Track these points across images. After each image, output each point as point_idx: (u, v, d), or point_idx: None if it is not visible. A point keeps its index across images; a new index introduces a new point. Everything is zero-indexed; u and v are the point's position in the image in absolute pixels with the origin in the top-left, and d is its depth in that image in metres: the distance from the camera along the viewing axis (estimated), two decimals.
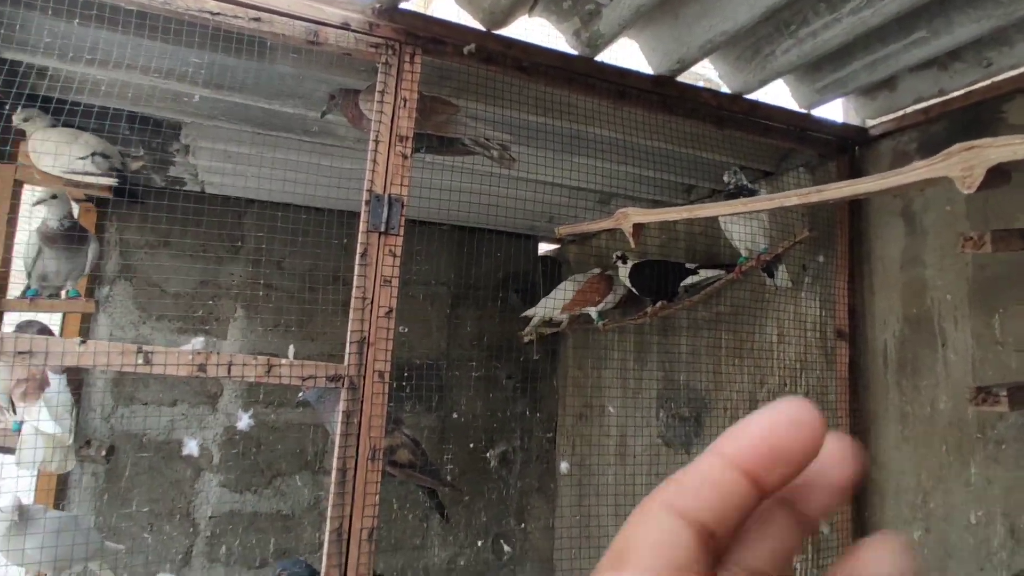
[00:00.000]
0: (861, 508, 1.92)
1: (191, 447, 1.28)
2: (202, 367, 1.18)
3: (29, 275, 2.11)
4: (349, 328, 1.30)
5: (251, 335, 3.63)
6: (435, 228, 3.95)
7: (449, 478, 2.67)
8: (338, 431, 1.26)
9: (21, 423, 1.88)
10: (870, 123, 2.11)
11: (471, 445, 3.88)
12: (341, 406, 1.26)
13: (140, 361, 1.15)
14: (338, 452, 1.25)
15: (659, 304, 2.70)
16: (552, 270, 4.50)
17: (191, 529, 3.38)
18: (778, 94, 2.34)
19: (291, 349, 1.34)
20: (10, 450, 1.90)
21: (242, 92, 2.07)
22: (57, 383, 1.82)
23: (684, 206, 1.61)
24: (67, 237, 2.05)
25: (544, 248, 4.70)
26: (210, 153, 2.88)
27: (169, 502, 3.34)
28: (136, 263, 3.49)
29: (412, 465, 1.50)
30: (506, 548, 3.92)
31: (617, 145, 2.51)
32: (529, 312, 3.37)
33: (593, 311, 3.21)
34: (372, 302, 1.32)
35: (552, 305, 3.24)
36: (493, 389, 4.00)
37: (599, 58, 1.77)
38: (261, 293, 3.57)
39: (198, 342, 1.38)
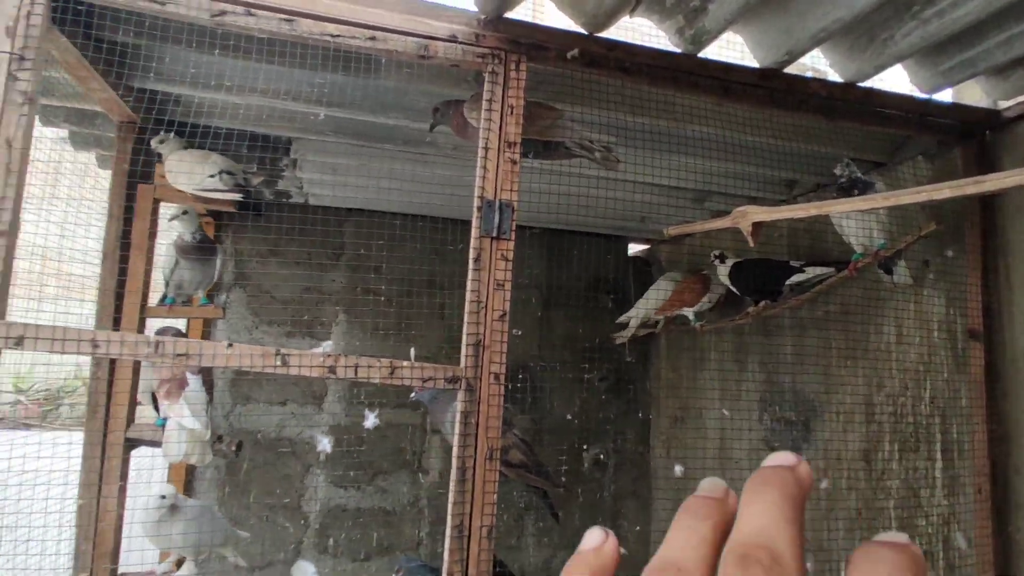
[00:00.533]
0: (1003, 522, 1.77)
1: (324, 444, 1.36)
2: (332, 369, 1.25)
3: (166, 284, 2.32)
4: (464, 331, 1.34)
5: (352, 339, 3.80)
6: (525, 231, 3.98)
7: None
8: (456, 431, 1.30)
9: (165, 419, 2.06)
10: (1003, 105, 1.95)
11: (563, 447, 3.89)
12: (459, 407, 1.31)
13: (278, 363, 1.24)
14: (457, 452, 1.29)
15: (762, 304, 2.60)
16: (643, 271, 4.44)
17: (302, 521, 3.58)
18: (894, 80, 2.21)
19: (412, 351, 1.39)
20: (156, 444, 2.10)
21: (350, 108, 2.18)
22: (195, 383, 1.99)
23: (812, 203, 1.54)
24: (198, 249, 2.24)
25: (634, 248, 4.65)
26: (315, 166, 3.05)
27: (281, 495, 3.56)
28: (249, 271, 3.74)
29: (524, 466, 1.53)
30: None
31: (715, 142, 2.45)
32: (625, 317, 3.34)
33: (690, 312, 3.14)
34: (486, 306, 1.36)
35: (648, 307, 3.20)
36: (585, 391, 3.99)
37: (702, 55, 1.74)
38: (361, 298, 3.74)
39: (327, 345, 1.47)
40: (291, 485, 3.59)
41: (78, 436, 2.15)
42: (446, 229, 3.69)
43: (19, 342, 1.15)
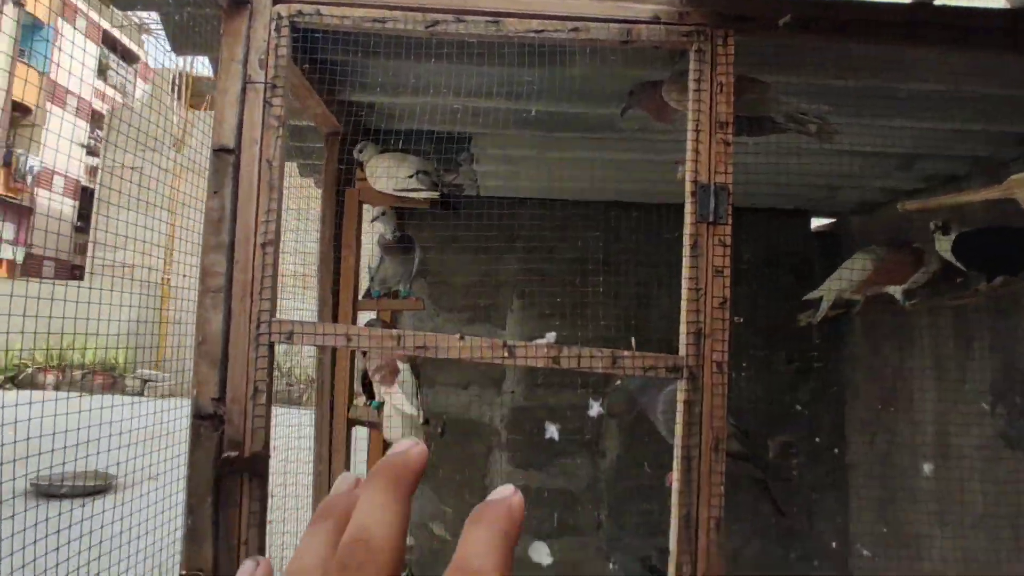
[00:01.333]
0: None
1: (551, 431, 1.41)
2: (556, 359, 1.29)
3: (372, 279, 2.54)
4: (683, 319, 1.32)
5: (527, 324, 3.91)
6: None
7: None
8: (679, 420, 1.28)
9: (381, 403, 2.27)
10: None
11: (747, 433, 3.71)
12: (681, 396, 1.28)
13: (505, 354, 1.30)
14: (681, 441, 1.28)
15: (998, 279, 2.27)
16: (829, 247, 4.08)
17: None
18: None
19: (633, 341, 1.39)
20: (372, 424, 2.32)
21: (536, 99, 2.22)
22: (405, 370, 2.16)
23: None
24: (399, 245, 2.42)
25: (817, 223, 4.28)
26: (493, 159, 3.15)
27: (466, 474, 3.78)
28: (428, 259, 3.97)
29: (742, 456, 1.47)
30: (793, 547, 3.68)
31: (933, 99, 2.17)
32: (815, 294, 3.08)
33: (897, 291, 2.83)
34: (705, 293, 1.32)
35: (842, 285, 2.92)
36: (770, 374, 3.76)
37: (938, 1, 1.53)
38: (534, 284, 3.83)
39: (550, 336, 1.51)
40: (475, 465, 3.80)
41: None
42: (618, 212, 3.66)
43: (289, 336, 1.31)
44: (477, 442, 3.81)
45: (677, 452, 1.29)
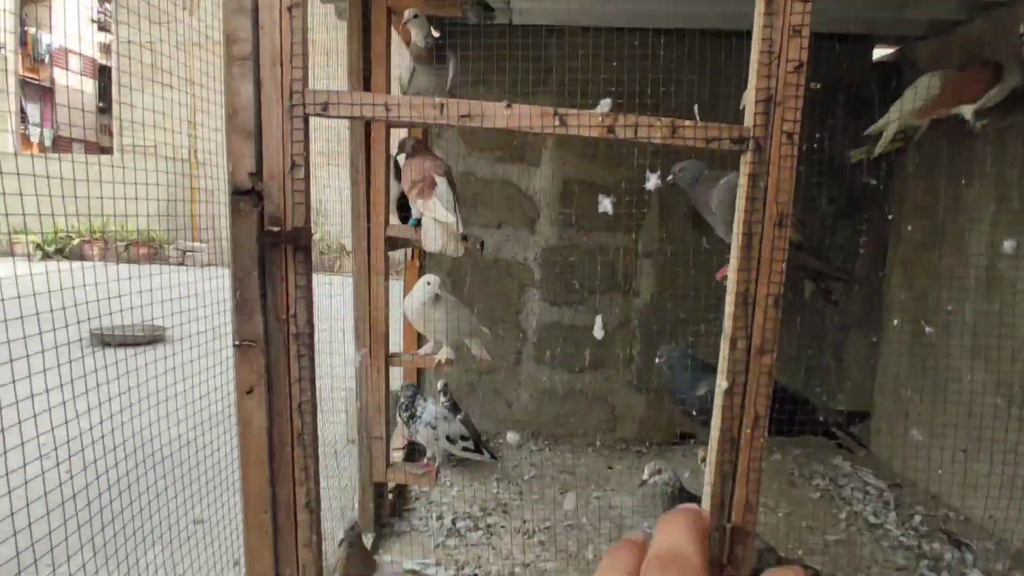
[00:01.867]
0: None
1: (606, 205, 1.33)
2: (611, 128, 1.20)
3: (404, 92, 2.40)
4: (752, 85, 1.19)
5: (562, 164, 3.77)
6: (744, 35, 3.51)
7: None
8: (742, 195, 1.20)
9: (418, 219, 2.22)
10: None
11: (804, 223, 3.63)
12: (746, 169, 1.19)
13: (557, 123, 1.21)
14: (743, 216, 1.20)
15: None
16: (890, 77, 3.76)
17: (520, 335, 3.87)
18: None
19: (695, 109, 1.28)
20: (411, 242, 2.29)
21: None
22: (442, 183, 2.09)
23: None
24: (432, 55, 2.25)
25: (879, 53, 3.91)
26: None
27: (501, 311, 3.84)
28: (463, 95, 3.77)
29: (800, 246, 1.41)
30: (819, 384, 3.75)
31: None
32: (880, 123, 2.86)
33: (968, 110, 2.60)
34: (779, 56, 1.18)
35: (912, 107, 2.70)
36: (810, 213, 3.63)
37: None
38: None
39: (605, 104, 1.40)
40: (509, 302, 3.85)
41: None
42: (659, 40, 3.36)
43: (324, 107, 1.23)
44: (509, 280, 3.83)
45: (737, 228, 1.22)
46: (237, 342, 1.25)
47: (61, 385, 1.17)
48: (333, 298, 2.96)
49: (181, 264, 10.23)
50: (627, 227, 3.75)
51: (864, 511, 3.02)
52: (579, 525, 2.78)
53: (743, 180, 1.21)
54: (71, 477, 1.27)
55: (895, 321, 3.61)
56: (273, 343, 1.26)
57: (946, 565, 2.53)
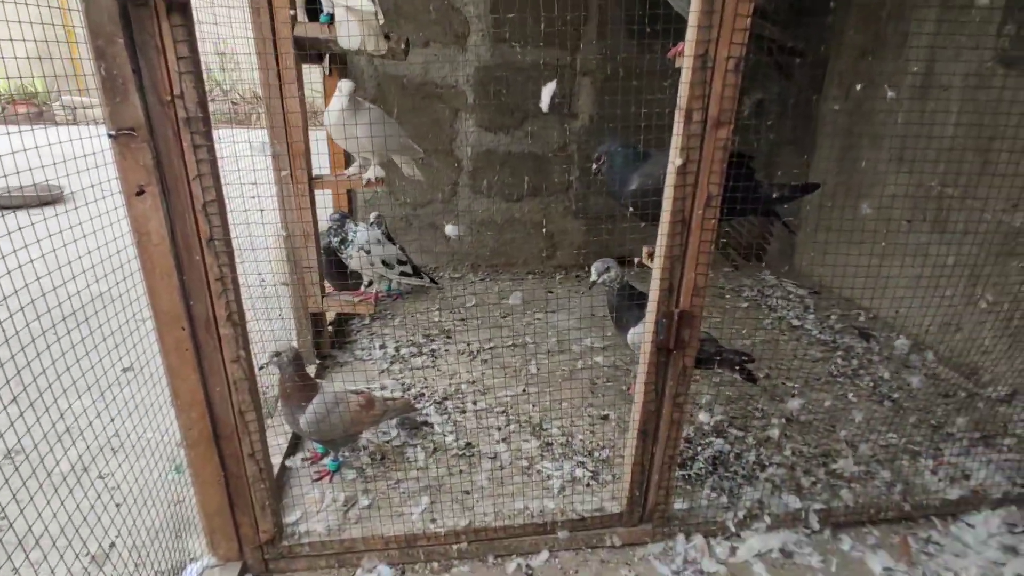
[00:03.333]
0: None
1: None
2: None
3: None
4: None
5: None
6: None
7: None
8: None
9: (331, 16, 1.92)
10: None
11: None
12: None
13: None
14: None
15: None
16: None
17: (455, 165, 3.68)
18: None
19: None
20: (326, 41, 1.99)
21: None
22: None
23: None
24: None
25: None
26: None
27: (433, 139, 3.60)
28: None
29: (762, 13, 1.26)
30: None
31: None
32: None
33: None
34: None
35: None
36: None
37: None
38: None
39: None
40: (441, 130, 3.60)
41: None
42: None
43: None
44: (440, 106, 3.55)
45: None
46: (112, 132, 1.04)
47: None
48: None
49: (72, 123, 9.15)
50: (565, 41, 3.47)
51: (787, 316, 3.20)
52: (522, 344, 2.83)
53: None
54: None
55: (826, 131, 3.60)
56: (160, 131, 1.06)
57: (855, 355, 2.75)
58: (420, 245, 3.74)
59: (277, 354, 1.60)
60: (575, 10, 3.27)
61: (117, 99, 1.03)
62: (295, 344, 2.16)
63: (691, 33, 1.09)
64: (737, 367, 1.87)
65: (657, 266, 1.26)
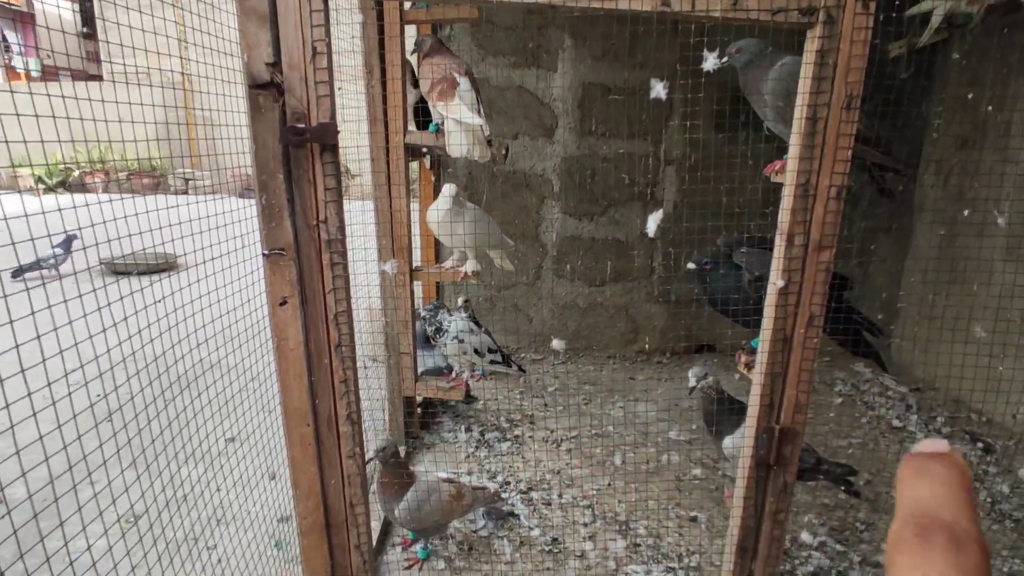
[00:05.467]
0: None
1: (658, 91, 1.21)
2: (666, 2, 1.07)
3: None
4: None
5: (579, 67, 3.57)
6: None
7: None
8: (805, 74, 1.09)
9: (438, 125, 2.11)
10: None
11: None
12: (813, 45, 1.08)
13: None
14: (806, 99, 1.10)
15: None
16: None
17: (540, 249, 3.80)
18: None
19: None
20: (430, 149, 2.18)
21: None
22: (464, 83, 1.95)
23: None
24: None
25: None
26: None
27: (520, 225, 3.75)
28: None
29: (863, 139, 1.30)
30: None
31: None
32: (926, 6, 2.64)
33: None
34: None
35: None
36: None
37: None
38: (587, 20, 3.41)
39: None
40: (528, 216, 3.76)
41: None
42: None
43: None
44: (527, 193, 3.72)
45: (799, 113, 1.12)
46: (266, 251, 1.19)
47: (85, 316, 1.12)
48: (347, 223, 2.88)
49: (184, 192, 10.12)
50: (649, 133, 3.60)
51: (887, 415, 3.03)
52: (605, 433, 2.81)
53: (809, 58, 1.09)
54: (103, 397, 1.25)
55: (926, 220, 3.49)
56: (304, 251, 1.20)
57: (969, 463, 2.56)
58: (503, 326, 3.84)
59: (382, 449, 1.69)
60: (658, 107, 3.40)
61: (272, 223, 1.18)
62: (391, 436, 2.26)
63: (792, 164, 1.14)
64: (839, 481, 1.80)
65: (757, 382, 1.27)
